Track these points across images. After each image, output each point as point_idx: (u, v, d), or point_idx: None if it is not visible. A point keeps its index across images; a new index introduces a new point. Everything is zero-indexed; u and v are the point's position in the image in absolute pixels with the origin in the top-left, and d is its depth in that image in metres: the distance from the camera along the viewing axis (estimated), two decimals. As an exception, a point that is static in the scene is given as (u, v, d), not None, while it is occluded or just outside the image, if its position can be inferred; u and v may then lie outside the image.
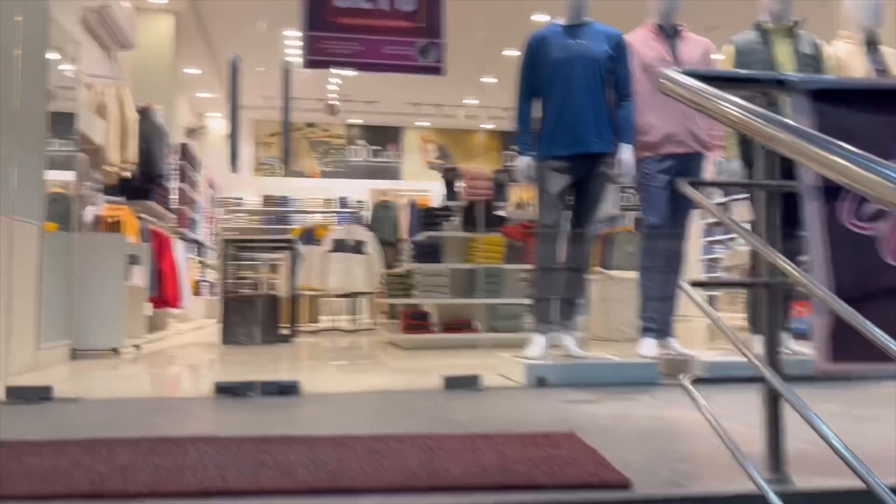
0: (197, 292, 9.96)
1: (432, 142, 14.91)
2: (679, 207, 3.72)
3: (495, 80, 11.15)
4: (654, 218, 3.63)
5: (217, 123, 13.10)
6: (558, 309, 3.66)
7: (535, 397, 3.00)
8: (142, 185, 6.97)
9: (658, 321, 3.67)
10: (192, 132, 11.92)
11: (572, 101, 3.52)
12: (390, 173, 14.67)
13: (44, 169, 4.39)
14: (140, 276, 5.82)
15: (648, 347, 3.59)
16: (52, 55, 4.46)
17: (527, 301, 6.15)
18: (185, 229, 9.64)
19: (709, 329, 9.59)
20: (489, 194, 6.59)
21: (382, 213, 13.29)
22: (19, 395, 2.84)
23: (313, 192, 13.98)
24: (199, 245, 10.57)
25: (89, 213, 5.79)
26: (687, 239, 3.94)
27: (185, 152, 9.79)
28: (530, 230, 6.53)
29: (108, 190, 6.53)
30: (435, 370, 4.80)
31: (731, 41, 3.86)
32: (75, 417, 2.52)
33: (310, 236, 9.86)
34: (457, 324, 5.98)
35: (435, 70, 3.28)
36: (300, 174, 14.18)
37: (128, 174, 6.51)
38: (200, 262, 10.59)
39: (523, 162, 3.62)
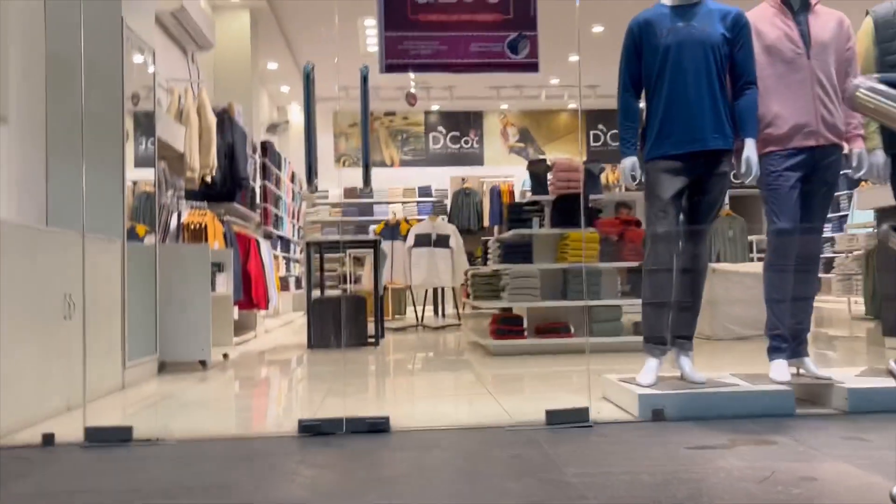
0: (284, 287, 9.96)
1: (513, 125, 14.45)
2: (813, 205, 3.23)
3: (577, 59, 10.60)
4: (783, 222, 3.15)
5: (298, 118, 13.07)
6: (671, 323, 3.26)
7: (654, 437, 2.64)
8: (224, 187, 6.90)
9: (789, 338, 3.21)
10: (273, 127, 11.92)
11: (685, 92, 3.09)
12: (471, 159, 14.32)
13: (123, 182, 4.29)
14: (225, 284, 5.73)
15: (780, 371, 3.13)
16: (127, 59, 4.34)
17: (625, 302, 5.73)
18: (270, 227, 9.62)
19: (814, 322, 8.83)
20: (580, 186, 6.16)
21: (463, 201, 13.01)
22: (99, 437, 2.70)
23: (393, 182, 13.80)
24: (283, 241, 10.56)
25: (173, 221, 5.74)
26: (821, 239, 3.45)
27: (266, 149, 9.75)
28: (627, 224, 6.07)
29: (191, 195, 6.49)
30: (529, 384, 4.54)
31: (869, 13, 3.32)
32: (151, 470, 2.35)
33: (393, 231, 9.67)
34: (549, 327, 5.61)
35: (529, 67, 2.91)
36: (381, 164, 14.03)
37: (209, 178, 6.44)
38: (286, 258, 10.59)
39: (628, 162, 3.22)
